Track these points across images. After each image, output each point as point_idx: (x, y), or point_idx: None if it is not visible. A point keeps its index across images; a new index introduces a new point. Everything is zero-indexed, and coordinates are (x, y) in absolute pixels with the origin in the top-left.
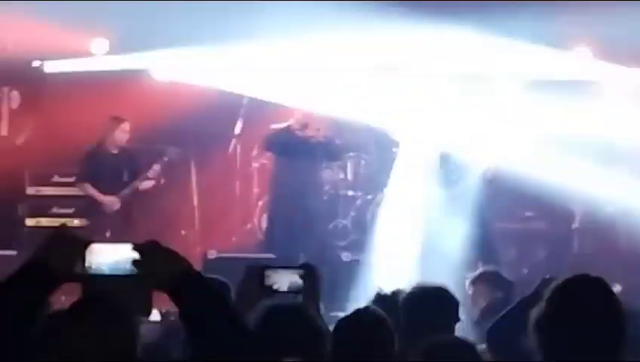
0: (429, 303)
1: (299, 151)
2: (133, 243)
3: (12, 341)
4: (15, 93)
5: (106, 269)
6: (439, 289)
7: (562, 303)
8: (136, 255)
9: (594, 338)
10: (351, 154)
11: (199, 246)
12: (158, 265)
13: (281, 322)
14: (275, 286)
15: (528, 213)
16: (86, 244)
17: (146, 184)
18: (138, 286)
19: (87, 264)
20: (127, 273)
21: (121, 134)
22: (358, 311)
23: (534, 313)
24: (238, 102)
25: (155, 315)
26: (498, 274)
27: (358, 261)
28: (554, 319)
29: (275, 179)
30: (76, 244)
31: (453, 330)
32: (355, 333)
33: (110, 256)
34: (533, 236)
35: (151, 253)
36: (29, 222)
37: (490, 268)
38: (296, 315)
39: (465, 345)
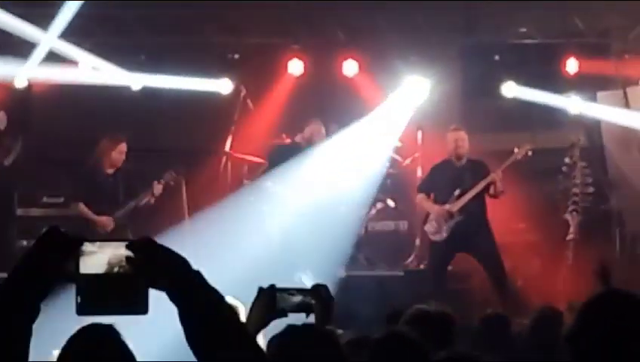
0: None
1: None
2: (127, 241)
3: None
4: (2, 114)
5: (100, 268)
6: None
7: (593, 319)
8: (130, 253)
9: (626, 356)
10: None
11: None
12: (154, 262)
13: (301, 343)
14: (286, 307)
15: (522, 225)
16: (79, 243)
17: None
18: (134, 284)
19: (80, 263)
20: (122, 271)
21: (118, 155)
22: (394, 333)
23: (565, 329)
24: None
25: None
26: None
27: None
28: (585, 335)
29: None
30: (68, 243)
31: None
32: (395, 355)
33: (104, 255)
34: (528, 248)
35: (145, 249)
36: (20, 244)
37: None
38: (316, 336)
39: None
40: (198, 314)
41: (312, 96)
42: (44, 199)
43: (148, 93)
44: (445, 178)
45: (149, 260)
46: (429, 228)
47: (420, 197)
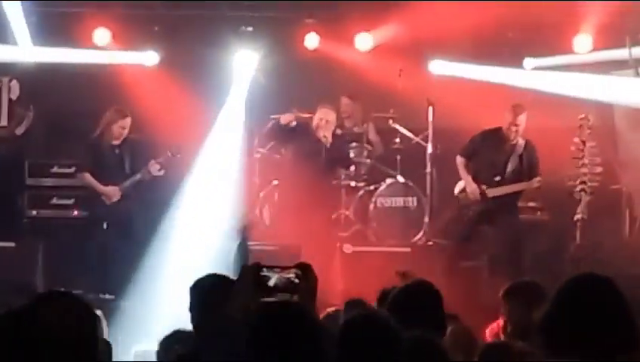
0: (415, 300)
1: (305, 146)
2: None
3: None
4: (15, 83)
5: None
6: (423, 284)
7: (567, 303)
8: None
9: (598, 339)
10: (353, 145)
11: None
12: None
13: (279, 320)
14: (270, 285)
15: (531, 204)
16: None
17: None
18: None
19: None
20: None
21: (120, 129)
22: (367, 313)
23: (538, 313)
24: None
25: None
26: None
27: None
28: (558, 319)
29: (278, 169)
30: None
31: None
32: (366, 335)
33: None
34: (536, 226)
35: None
36: (30, 213)
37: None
38: (295, 313)
39: None
40: None
41: (327, 71)
42: (55, 169)
43: (161, 66)
44: (492, 154)
45: None
46: (461, 197)
47: (460, 162)
